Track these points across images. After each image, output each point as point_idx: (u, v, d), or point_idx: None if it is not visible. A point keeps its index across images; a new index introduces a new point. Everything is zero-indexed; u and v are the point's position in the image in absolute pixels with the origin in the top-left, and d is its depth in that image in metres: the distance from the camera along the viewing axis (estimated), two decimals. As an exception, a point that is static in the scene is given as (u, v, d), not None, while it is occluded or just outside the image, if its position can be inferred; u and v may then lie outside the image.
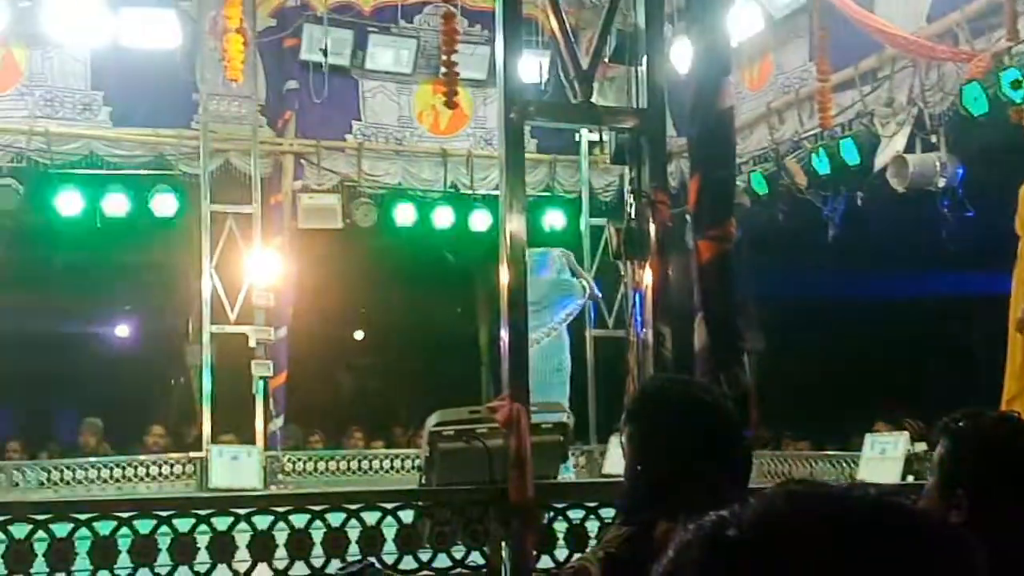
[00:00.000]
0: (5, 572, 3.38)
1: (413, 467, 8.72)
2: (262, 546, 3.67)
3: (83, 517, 3.48)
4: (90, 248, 9.62)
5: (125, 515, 3.54)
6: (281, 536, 3.74)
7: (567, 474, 6.42)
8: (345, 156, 9.87)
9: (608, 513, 4.02)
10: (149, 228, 9.43)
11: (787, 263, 9.70)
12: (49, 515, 3.47)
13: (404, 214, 9.87)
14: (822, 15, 8.11)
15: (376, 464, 9.26)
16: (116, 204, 9.08)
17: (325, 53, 9.24)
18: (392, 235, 9.99)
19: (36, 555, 3.44)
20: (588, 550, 3.96)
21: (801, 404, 9.40)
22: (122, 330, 12.86)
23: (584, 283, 8.46)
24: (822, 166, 8.20)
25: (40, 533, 3.45)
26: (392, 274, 10.95)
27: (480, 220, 9.94)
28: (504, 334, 4.26)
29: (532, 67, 8.31)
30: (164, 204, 9.16)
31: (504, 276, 4.29)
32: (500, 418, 4.05)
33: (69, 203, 8.96)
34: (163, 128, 9.22)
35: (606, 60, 5.15)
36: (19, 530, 3.43)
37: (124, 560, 3.51)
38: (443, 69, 7.53)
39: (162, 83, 9.11)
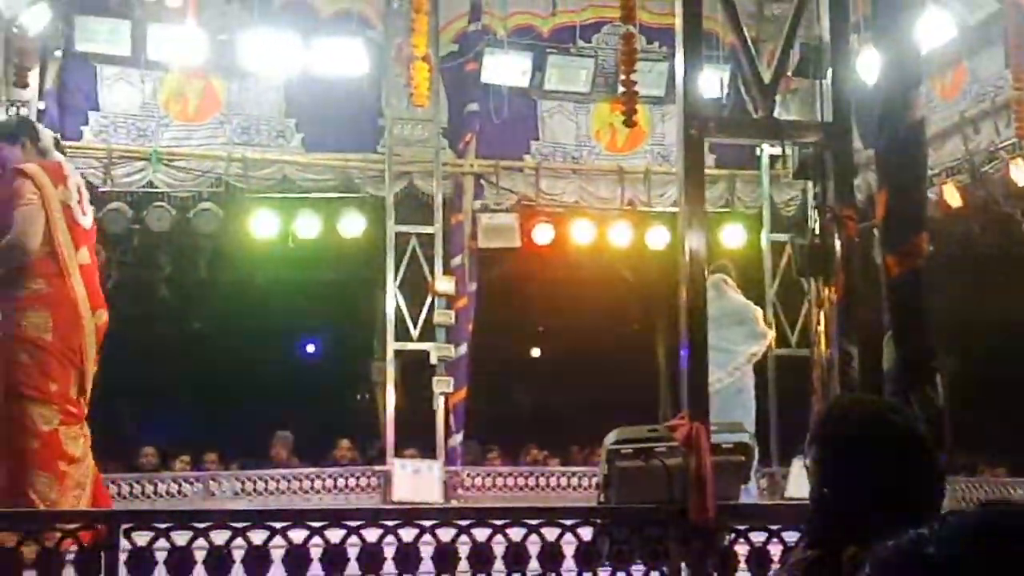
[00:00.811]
0: (206, 576, 3.56)
1: (590, 485, 8.73)
2: (445, 558, 3.75)
3: (279, 525, 3.63)
4: (283, 268, 10.06)
5: (317, 524, 3.68)
6: (463, 549, 3.81)
7: (749, 496, 6.29)
8: (523, 176, 10.00)
9: (791, 536, 3.93)
10: (337, 248, 9.80)
11: (983, 279, 9.25)
12: (248, 523, 3.64)
13: (581, 232, 9.93)
14: (1018, 22, 7.73)
15: (553, 481, 9.32)
16: (307, 226, 9.49)
17: (505, 76, 9.41)
18: (569, 253, 10.05)
19: (235, 561, 3.61)
20: (771, 573, 3.88)
21: (999, 427, 8.92)
22: (312, 347, 13.38)
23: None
24: (1021, 177, 7.80)
25: (238, 540, 3.62)
26: (569, 292, 11.00)
27: (658, 237, 9.90)
28: (683, 352, 4.22)
29: (712, 82, 8.23)
30: (351, 225, 9.51)
31: (683, 294, 4.26)
32: (679, 437, 4.01)
33: (264, 225, 9.41)
34: (351, 152, 9.57)
35: (789, 74, 5.05)
36: (219, 536, 3.61)
37: (316, 568, 3.65)
38: (621, 88, 7.53)
39: (350, 109, 9.46)
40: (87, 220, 5.02)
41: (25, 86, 8.34)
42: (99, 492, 4.84)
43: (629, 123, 7.92)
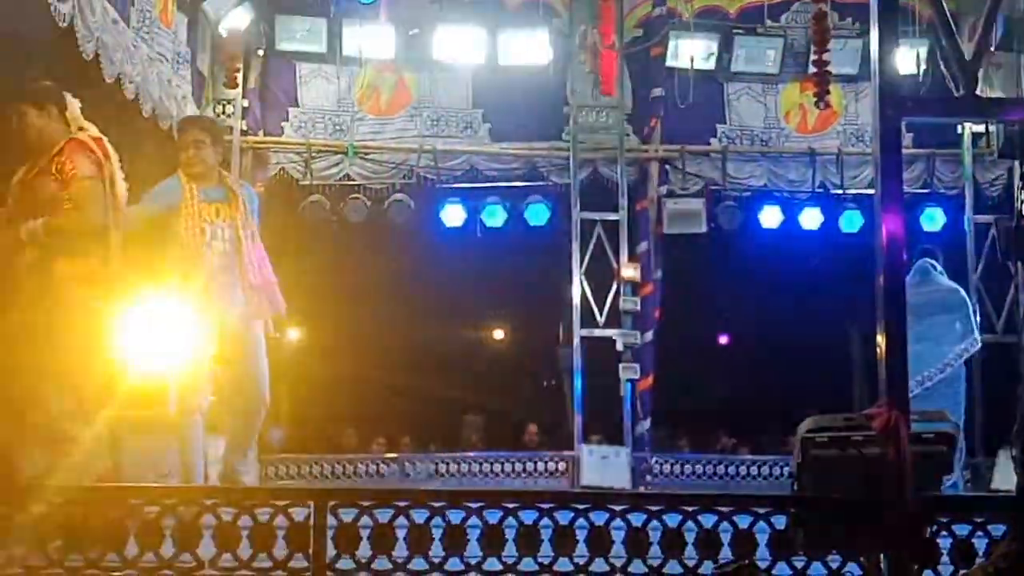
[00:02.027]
0: (407, 553, 3.70)
1: (781, 474, 8.59)
2: (636, 543, 3.78)
3: (474, 505, 3.75)
4: (471, 257, 10.28)
5: (511, 505, 3.77)
6: (654, 535, 3.83)
7: (953, 488, 6.06)
8: (710, 160, 9.87)
9: (998, 530, 3.78)
10: (523, 237, 9.94)
11: None
12: (445, 503, 3.77)
13: (770, 216, 9.73)
14: None
15: (743, 469, 9.22)
16: (494, 215, 9.67)
17: (691, 59, 9.32)
18: (757, 238, 9.88)
19: (433, 539, 3.74)
20: (976, 566, 3.74)
21: None
22: (500, 334, 13.61)
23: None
24: None
25: (436, 519, 3.75)
26: (757, 278, 10.81)
27: (851, 221, 9.61)
28: (880, 339, 4.10)
29: (908, 59, 7.91)
30: (537, 214, 9.63)
31: (880, 279, 4.13)
32: (877, 426, 3.90)
33: (453, 215, 9.65)
34: (536, 141, 9.69)
35: (991, 48, 4.82)
36: (419, 515, 3.75)
37: (510, 548, 3.74)
38: (813, 69, 7.34)
39: (535, 98, 9.57)
40: (124, 195, 4.80)
41: (235, 87, 8.81)
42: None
43: (821, 104, 7.72)
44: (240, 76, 8.92)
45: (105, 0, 6.09)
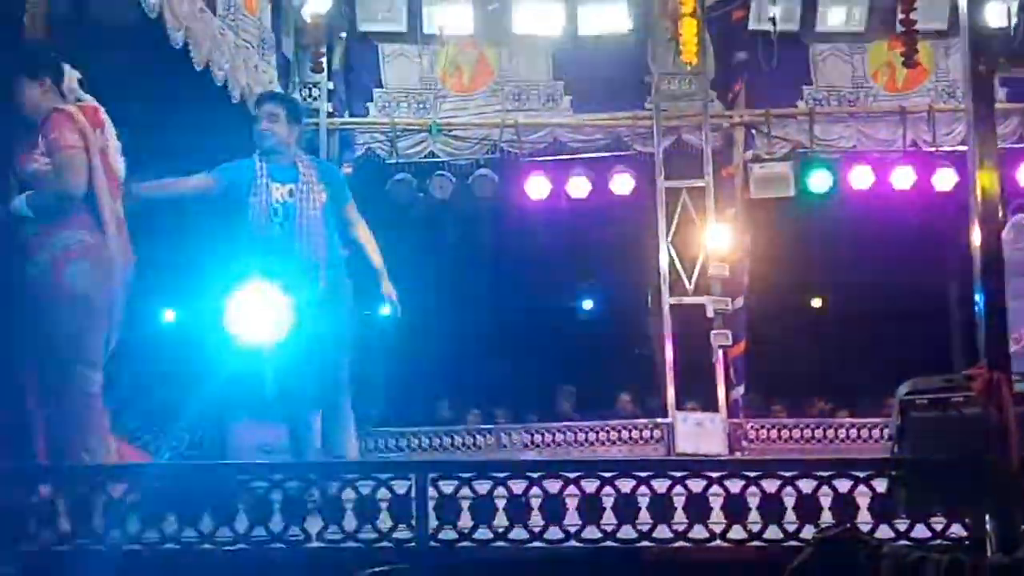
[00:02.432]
0: (508, 523, 3.78)
1: (880, 436, 8.48)
2: (735, 509, 3.80)
3: (572, 475, 3.80)
4: (557, 229, 10.30)
5: (608, 474, 3.82)
6: (752, 500, 3.84)
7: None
8: (796, 123, 9.72)
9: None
10: (608, 207, 9.93)
11: None
12: (542, 472, 3.83)
13: (860, 177, 9.56)
14: None
15: (841, 433, 9.13)
16: (578, 186, 9.67)
17: (774, 21, 9.16)
18: (848, 199, 9.71)
19: (532, 508, 3.81)
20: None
21: None
22: (588, 304, 13.62)
23: None
24: None
25: (535, 489, 3.81)
26: (848, 240, 10.64)
27: (944, 179, 9.40)
28: (978, 299, 4.03)
29: (999, 12, 7.67)
30: (621, 183, 9.61)
31: (976, 236, 4.06)
32: (978, 387, 3.85)
33: (537, 188, 9.68)
34: (618, 111, 9.66)
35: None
36: (517, 486, 3.82)
37: (609, 516, 3.79)
38: (901, 27, 7.17)
39: (616, 68, 9.53)
40: (122, 169, 4.59)
41: (321, 71, 8.93)
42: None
43: (909, 63, 7.55)
44: (325, 60, 9.04)
45: (193, -11, 6.21)
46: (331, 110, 9.45)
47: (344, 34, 9.51)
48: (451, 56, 9.57)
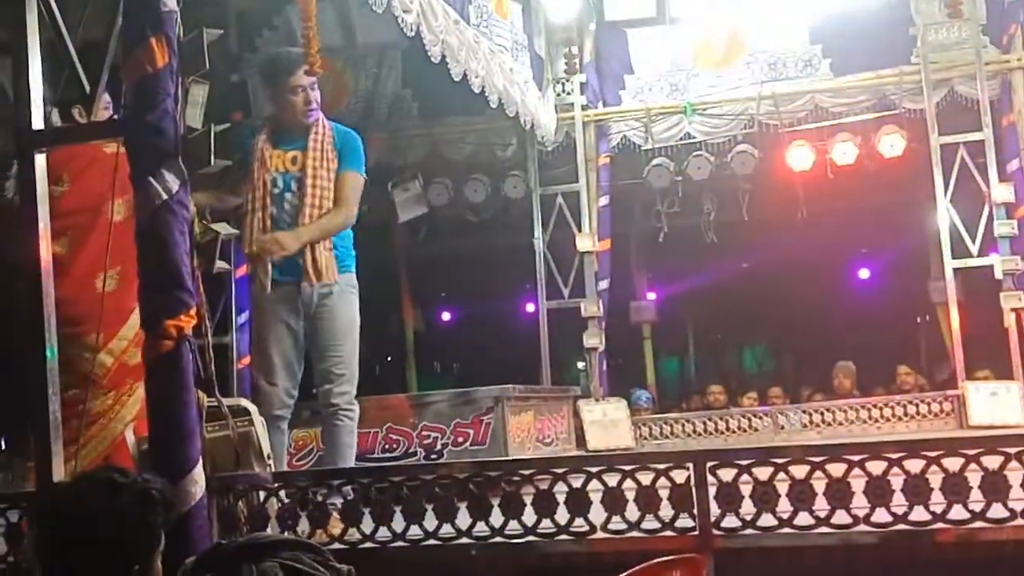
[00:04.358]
0: (791, 509, 3.71)
1: None
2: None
3: (856, 458, 3.69)
4: (823, 198, 9.96)
5: (895, 456, 3.68)
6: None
7: None
8: (1082, 61, 8.95)
9: None
10: (878, 171, 9.50)
11: None
12: (824, 457, 3.74)
13: None
14: None
15: None
16: (844, 152, 9.31)
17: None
18: None
19: (816, 494, 3.73)
20: None
21: None
22: (865, 273, 13.09)
23: None
24: None
25: (817, 473, 3.73)
26: None
27: None
28: None
29: None
30: (891, 144, 9.17)
31: None
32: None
33: (800, 159, 9.39)
34: (883, 69, 9.21)
35: None
36: (798, 471, 3.74)
37: (899, 497, 3.65)
38: None
39: (876, 24, 9.11)
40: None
41: (575, 72, 9.14)
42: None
43: None
44: (578, 58, 9.20)
45: (445, 3, 6.47)
46: (584, 102, 9.55)
47: (593, 25, 9.60)
48: (702, 35, 9.45)
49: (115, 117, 4.28)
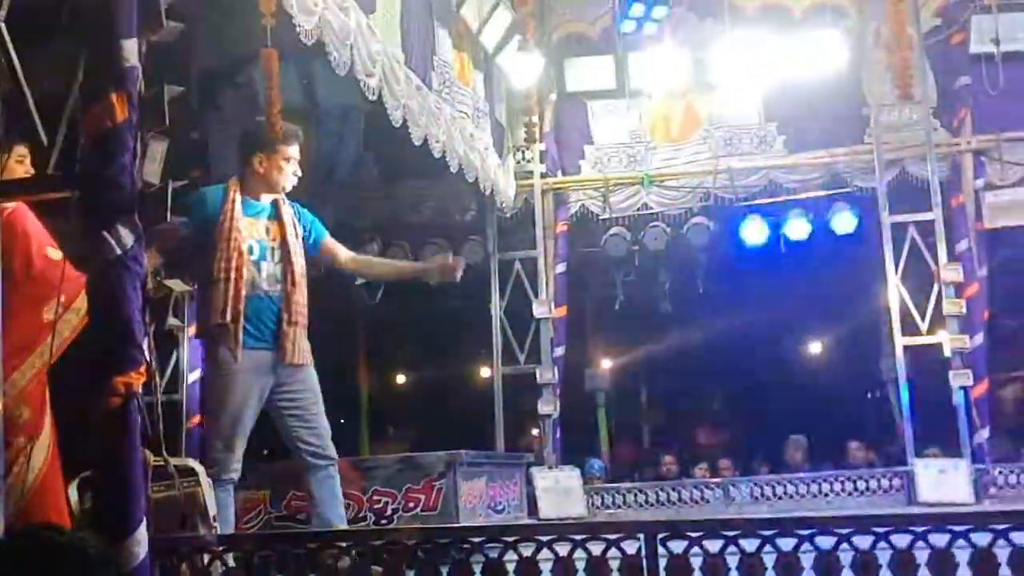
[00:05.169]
0: (743, 583, 3.69)
1: None
2: (983, 566, 3.58)
3: (805, 532, 3.69)
4: (778, 273, 10.09)
5: (844, 531, 3.68)
6: (1001, 554, 3.61)
7: None
8: (1030, 146, 9.19)
9: None
10: (830, 247, 9.66)
11: None
12: (775, 531, 3.73)
13: (1107, 199, 8.93)
14: None
15: (1105, 478, 8.44)
16: (797, 228, 9.46)
17: (997, 42, 8.72)
18: (1095, 222, 9.07)
19: (766, 568, 3.71)
20: None
21: None
22: (816, 348, 13.23)
23: None
24: None
25: (767, 547, 3.72)
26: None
27: None
28: None
29: None
30: (843, 222, 9.33)
31: None
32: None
33: (754, 233, 9.53)
34: (836, 147, 9.40)
35: None
36: (749, 544, 3.74)
37: (847, 574, 3.65)
38: None
39: (830, 104, 9.31)
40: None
41: (535, 141, 9.24)
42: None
43: None
44: (537, 126, 9.30)
45: (408, 69, 6.53)
46: (544, 171, 9.64)
47: (553, 95, 9.73)
48: (659, 108, 9.62)
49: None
